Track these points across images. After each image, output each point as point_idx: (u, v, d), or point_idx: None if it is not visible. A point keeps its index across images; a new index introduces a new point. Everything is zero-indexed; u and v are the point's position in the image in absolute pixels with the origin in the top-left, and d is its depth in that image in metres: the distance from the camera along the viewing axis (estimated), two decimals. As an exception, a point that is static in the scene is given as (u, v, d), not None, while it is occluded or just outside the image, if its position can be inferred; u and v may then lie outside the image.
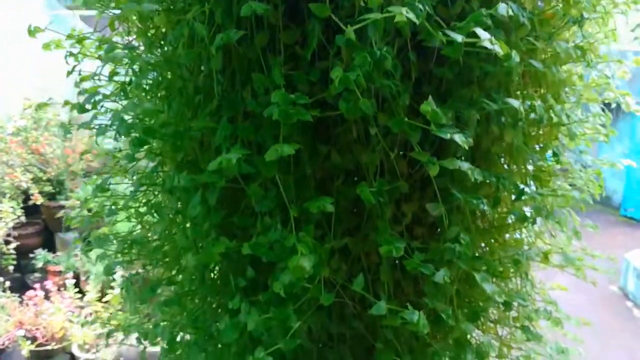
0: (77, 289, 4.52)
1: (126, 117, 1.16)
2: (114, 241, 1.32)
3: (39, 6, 6.27)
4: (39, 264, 5.10)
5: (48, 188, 5.48)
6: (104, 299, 4.36)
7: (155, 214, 1.29)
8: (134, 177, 1.27)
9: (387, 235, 1.12)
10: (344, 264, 1.24)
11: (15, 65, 5.94)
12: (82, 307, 4.40)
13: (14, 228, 5.24)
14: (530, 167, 1.36)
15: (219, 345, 1.22)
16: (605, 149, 7.05)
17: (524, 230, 1.44)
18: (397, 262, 1.26)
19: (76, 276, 4.83)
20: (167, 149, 1.21)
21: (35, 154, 5.53)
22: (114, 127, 1.13)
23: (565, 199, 1.26)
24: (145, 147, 1.20)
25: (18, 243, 5.19)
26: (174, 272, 1.30)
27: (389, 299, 1.17)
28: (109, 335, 1.49)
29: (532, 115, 1.16)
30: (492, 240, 1.39)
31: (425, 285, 1.23)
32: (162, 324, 1.29)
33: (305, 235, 1.07)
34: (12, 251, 5.11)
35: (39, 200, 5.37)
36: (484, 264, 1.22)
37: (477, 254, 1.31)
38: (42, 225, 5.70)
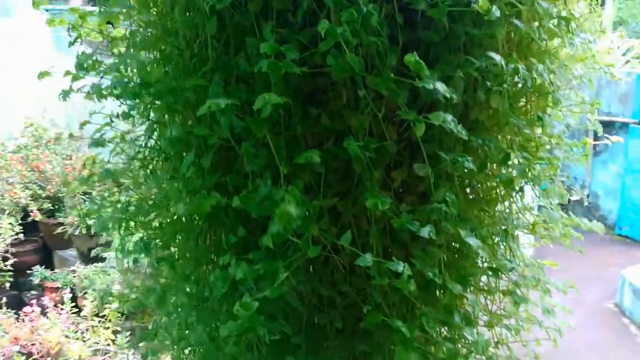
0: (73, 304, 4.50)
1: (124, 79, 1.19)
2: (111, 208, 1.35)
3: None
4: (36, 281, 5.08)
5: (47, 205, 5.49)
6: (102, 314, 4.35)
7: (150, 178, 1.32)
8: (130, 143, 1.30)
9: (374, 191, 1.15)
10: (334, 227, 1.25)
11: (15, 85, 6.02)
12: (78, 324, 4.37)
13: (12, 245, 5.23)
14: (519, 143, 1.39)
15: (211, 305, 1.23)
16: (599, 168, 7.08)
17: (513, 206, 1.47)
18: (386, 228, 1.28)
19: (73, 293, 4.81)
20: (163, 112, 1.24)
21: (35, 171, 5.56)
22: (112, 85, 1.16)
23: (551, 165, 1.29)
24: (142, 111, 1.24)
25: (15, 260, 5.18)
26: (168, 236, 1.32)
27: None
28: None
29: (517, 80, 1.20)
30: (482, 213, 1.41)
31: (414, 249, 1.25)
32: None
33: (293, 189, 1.09)
34: (10, 268, 5.10)
35: (37, 216, 5.37)
36: (470, 227, 1.24)
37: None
38: (41, 242, 5.69)
